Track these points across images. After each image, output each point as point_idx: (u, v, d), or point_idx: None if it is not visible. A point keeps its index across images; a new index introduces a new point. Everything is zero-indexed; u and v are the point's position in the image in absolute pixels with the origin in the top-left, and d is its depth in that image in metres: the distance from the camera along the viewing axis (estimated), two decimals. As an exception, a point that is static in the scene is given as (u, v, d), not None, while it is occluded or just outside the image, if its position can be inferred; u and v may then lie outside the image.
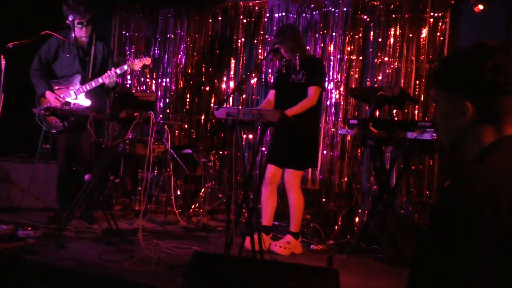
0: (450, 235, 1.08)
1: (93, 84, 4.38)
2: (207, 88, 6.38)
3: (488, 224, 1.05)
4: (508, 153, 1.20)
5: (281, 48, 3.93)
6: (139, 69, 4.68)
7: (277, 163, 3.99)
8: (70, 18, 4.33)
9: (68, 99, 4.41)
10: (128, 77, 6.71)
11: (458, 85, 1.27)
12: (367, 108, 4.97)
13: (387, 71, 5.31)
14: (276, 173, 4.05)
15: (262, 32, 6.04)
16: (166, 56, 6.58)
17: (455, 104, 1.28)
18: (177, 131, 6.43)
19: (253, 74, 5.95)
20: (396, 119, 4.94)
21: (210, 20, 6.36)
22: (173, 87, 6.53)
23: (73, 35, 4.42)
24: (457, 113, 1.27)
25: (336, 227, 4.65)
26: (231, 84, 6.21)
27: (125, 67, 4.35)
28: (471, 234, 1.06)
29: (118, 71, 4.32)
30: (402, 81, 5.21)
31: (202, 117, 6.37)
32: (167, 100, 6.55)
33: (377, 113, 4.87)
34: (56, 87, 4.48)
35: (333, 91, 5.56)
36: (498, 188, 1.09)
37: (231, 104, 6.04)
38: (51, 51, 4.52)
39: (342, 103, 5.53)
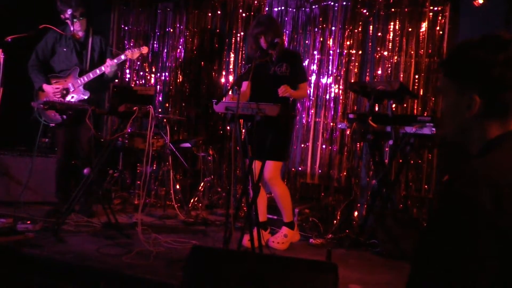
0: (451, 231, 1.07)
1: (91, 75, 4.37)
2: (206, 82, 6.37)
3: (490, 220, 1.03)
4: None
5: (262, 38, 3.88)
6: (137, 59, 4.67)
7: (257, 156, 3.77)
8: (69, 12, 4.33)
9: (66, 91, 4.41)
10: (127, 71, 6.69)
11: (467, 78, 1.22)
12: (366, 102, 4.96)
13: (387, 65, 5.30)
14: (259, 167, 3.97)
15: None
16: (165, 50, 6.56)
17: (462, 96, 1.24)
18: (176, 125, 6.42)
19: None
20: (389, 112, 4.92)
21: (209, 14, 6.34)
22: (172, 81, 6.52)
23: (71, 29, 4.42)
24: (464, 105, 1.23)
25: (335, 221, 4.66)
26: (230, 78, 6.19)
27: (123, 56, 4.34)
28: (473, 231, 1.04)
29: (115, 60, 4.32)
30: (402, 75, 5.20)
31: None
32: (166, 94, 6.54)
33: (377, 108, 4.87)
34: (55, 81, 4.48)
35: (333, 85, 5.55)
36: (500, 183, 1.07)
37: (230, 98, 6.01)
38: (48, 46, 4.52)
39: (341, 97, 5.52)
